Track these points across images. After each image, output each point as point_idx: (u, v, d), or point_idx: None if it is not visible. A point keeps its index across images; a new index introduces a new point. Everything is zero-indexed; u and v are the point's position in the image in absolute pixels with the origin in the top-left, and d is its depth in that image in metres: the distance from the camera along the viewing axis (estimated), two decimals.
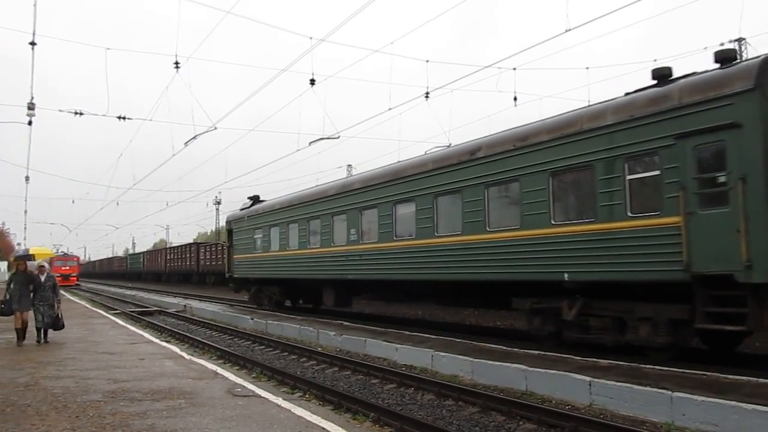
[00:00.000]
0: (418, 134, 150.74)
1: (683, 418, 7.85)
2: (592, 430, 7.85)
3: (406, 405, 10.04)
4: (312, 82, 18.69)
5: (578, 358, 11.12)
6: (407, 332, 16.01)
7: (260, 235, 26.51)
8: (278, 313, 24.44)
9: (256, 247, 26.88)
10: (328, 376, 12.76)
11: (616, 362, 10.54)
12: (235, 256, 29.41)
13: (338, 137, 23.53)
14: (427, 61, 21.47)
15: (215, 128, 22.93)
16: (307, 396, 10.77)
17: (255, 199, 29.12)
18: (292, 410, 7.96)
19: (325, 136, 23.55)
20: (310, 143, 24.02)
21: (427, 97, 20.14)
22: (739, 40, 35.23)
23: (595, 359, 10.91)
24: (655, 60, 58.48)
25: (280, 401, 8.55)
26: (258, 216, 26.95)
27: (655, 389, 8.39)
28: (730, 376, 9.03)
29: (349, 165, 55.61)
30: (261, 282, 27.47)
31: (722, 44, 33.91)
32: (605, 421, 8.04)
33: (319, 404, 10.00)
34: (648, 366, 10.06)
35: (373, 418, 9.10)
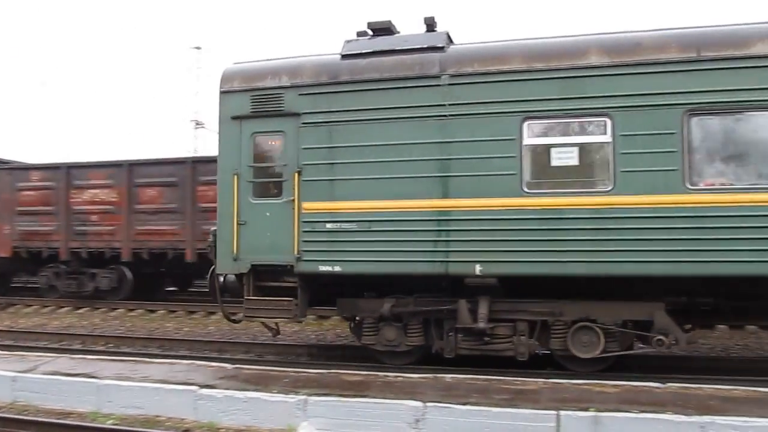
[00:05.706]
0: None
1: (109, 405, 8.20)
2: (13, 428, 7.55)
3: None
4: None
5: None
6: None
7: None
8: None
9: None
10: None
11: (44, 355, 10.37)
12: (305, 206, 9.37)
13: None
14: None
15: None
16: None
17: None
18: None
19: None
20: None
21: None
22: None
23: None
24: None
25: None
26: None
27: (82, 379, 8.58)
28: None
29: None
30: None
31: None
32: (27, 418, 7.85)
33: None
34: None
35: None
